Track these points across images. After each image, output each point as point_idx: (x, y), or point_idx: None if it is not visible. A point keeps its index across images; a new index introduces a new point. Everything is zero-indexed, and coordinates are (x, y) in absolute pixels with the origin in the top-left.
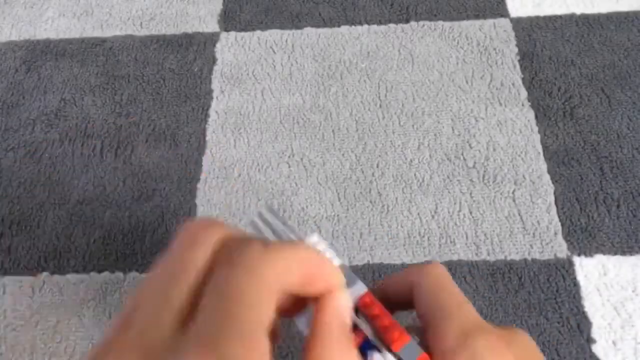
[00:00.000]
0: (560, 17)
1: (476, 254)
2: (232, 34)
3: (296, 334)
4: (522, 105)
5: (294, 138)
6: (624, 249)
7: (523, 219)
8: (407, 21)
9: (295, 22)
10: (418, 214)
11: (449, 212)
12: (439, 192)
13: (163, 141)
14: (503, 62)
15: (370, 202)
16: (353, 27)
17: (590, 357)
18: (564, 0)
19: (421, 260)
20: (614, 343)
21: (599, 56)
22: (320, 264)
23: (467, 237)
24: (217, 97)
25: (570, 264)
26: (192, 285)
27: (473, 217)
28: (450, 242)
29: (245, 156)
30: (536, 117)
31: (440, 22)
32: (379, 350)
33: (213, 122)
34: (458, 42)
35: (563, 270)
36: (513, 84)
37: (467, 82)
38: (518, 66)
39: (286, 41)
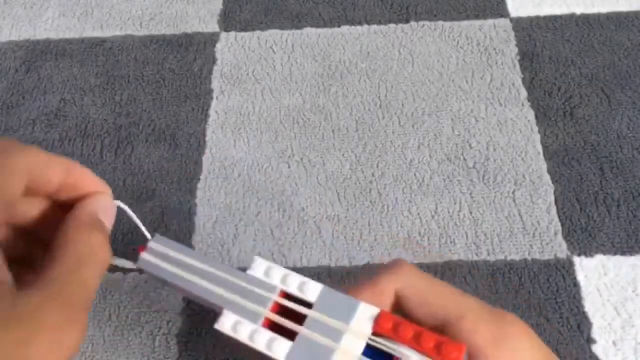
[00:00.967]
0: (560, 17)
1: (476, 254)
2: (232, 34)
3: None
4: (522, 105)
5: (294, 138)
6: (624, 249)
7: (523, 219)
8: (407, 21)
9: (295, 22)
10: (418, 214)
11: (449, 212)
12: (439, 192)
13: (163, 141)
14: (503, 62)
15: (370, 202)
16: (353, 27)
17: (590, 357)
18: (564, 0)
19: (422, 260)
20: (614, 343)
21: (599, 56)
22: (82, 173)
23: (467, 237)
24: (217, 97)
25: (571, 264)
26: None
27: (473, 217)
28: (450, 242)
29: (245, 156)
30: (536, 117)
31: (440, 22)
32: None
33: (213, 122)
34: (458, 42)
35: (563, 270)
36: (513, 84)
37: (467, 82)
38: (518, 66)
39: (286, 41)
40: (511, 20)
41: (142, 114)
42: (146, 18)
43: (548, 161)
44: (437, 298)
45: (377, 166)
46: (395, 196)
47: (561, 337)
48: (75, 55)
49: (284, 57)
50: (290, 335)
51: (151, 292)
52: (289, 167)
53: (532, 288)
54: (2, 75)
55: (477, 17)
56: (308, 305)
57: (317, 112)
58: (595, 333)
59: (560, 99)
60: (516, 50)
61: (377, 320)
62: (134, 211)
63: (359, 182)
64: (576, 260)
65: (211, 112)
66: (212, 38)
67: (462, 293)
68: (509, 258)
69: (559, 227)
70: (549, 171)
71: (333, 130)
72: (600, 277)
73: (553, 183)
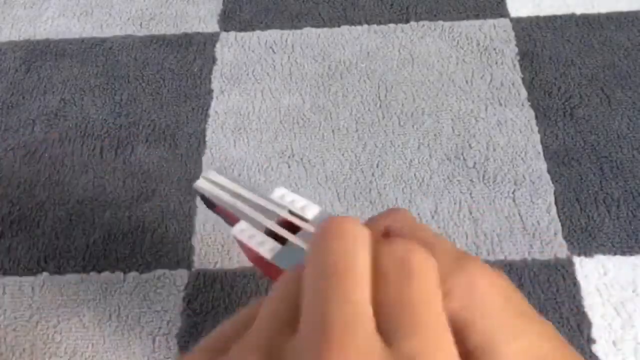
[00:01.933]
0: (560, 17)
1: (476, 254)
2: (232, 34)
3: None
4: (522, 105)
5: (294, 138)
6: (624, 249)
7: (523, 219)
8: (407, 21)
9: (295, 22)
10: (418, 214)
11: (448, 212)
12: (439, 192)
13: (163, 141)
14: (503, 62)
15: (370, 202)
16: (353, 27)
17: (590, 357)
18: (564, 0)
19: None
20: (614, 343)
21: (599, 56)
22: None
23: (467, 237)
24: (217, 97)
25: (570, 264)
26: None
27: (473, 217)
28: (450, 242)
29: (245, 156)
30: (536, 117)
31: (440, 22)
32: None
33: (213, 122)
34: (458, 42)
35: (563, 271)
36: (513, 84)
37: (467, 82)
38: (518, 66)
39: (286, 41)
40: (511, 20)
41: (142, 114)
42: (146, 18)
43: (548, 161)
44: (414, 233)
45: (377, 166)
46: (395, 196)
47: None
48: (75, 55)
49: (284, 57)
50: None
51: (151, 292)
52: (289, 167)
53: (532, 288)
54: (2, 75)
55: (477, 17)
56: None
57: (317, 112)
58: (595, 333)
59: (560, 99)
60: (516, 50)
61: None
62: (134, 211)
63: (359, 182)
64: (576, 260)
65: (211, 112)
66: (212, 38)
67: (439, 236)
68: (508, 258)
69: (559, 227)
70: (549, 171)
71: (333, 130)
72: (600, 277)
73: (553, 183)
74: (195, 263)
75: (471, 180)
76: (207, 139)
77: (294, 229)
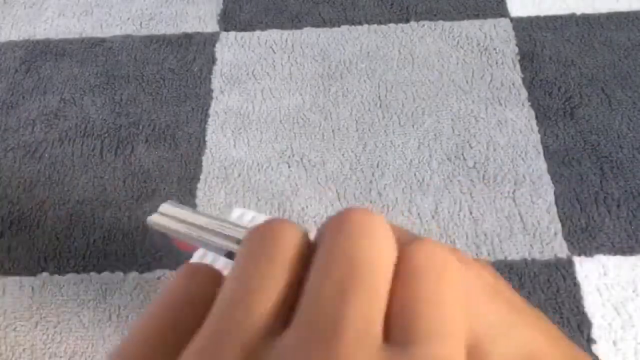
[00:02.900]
0: (560, 17)
1: (476, 254)
2: (232, 33)
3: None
4: (522, 105)
5: (294, 138)
6: (624, 249)
7: (523, 219)
8: (407, 21)
9: (295, 22)
10: (418, 214)
11: (449, 212)
12: (439, 192)
13: (163, 141)
14: (503, 62)
15: (370, 202)
16: (353, 27)
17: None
18: (564, 0)
19: None
20: (614, 343)
21: (599, 56)
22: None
23: (467, 237)
24: (217, 97)
25: (571, 264)
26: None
27: (473, 217)
28: (450, 242)
29: (245, 156)
30: (536, 117)
31: (440, 22)
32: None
33: (213, 122)
34: (458, 42)
35: (563, 271)
36: (513, 84)
37: (467, 82)
38: (518, 66)
39: (286, 41)
40: (511, 20)
41: (142, 114)
42: (146, 18)
43: (548, 161)
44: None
45: (377, 166)
46: (395, 196)
47: None
48: (75, 55)
49: (284, 57)
50: None
51: (151, 292)
52: (289, 167)
53: (532, 288)
54: (2, 75)
55: (477, 17)
56: None
57: (317, 112)
58: (596, 333)
59: (561, 99)
60: (516, 50)
61: None
62: (134, 211)
63: (359, 182)
64: (576, 260)
65: (211, 112)
66: (212, 38)
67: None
68: (509, 258)
69: (559, 227)
70: (549, 171)
71: (333, 130)
72: (601, 277)
73: (553, 183)
74: None
75: (471, 180)
76: (207, 139)
77: None
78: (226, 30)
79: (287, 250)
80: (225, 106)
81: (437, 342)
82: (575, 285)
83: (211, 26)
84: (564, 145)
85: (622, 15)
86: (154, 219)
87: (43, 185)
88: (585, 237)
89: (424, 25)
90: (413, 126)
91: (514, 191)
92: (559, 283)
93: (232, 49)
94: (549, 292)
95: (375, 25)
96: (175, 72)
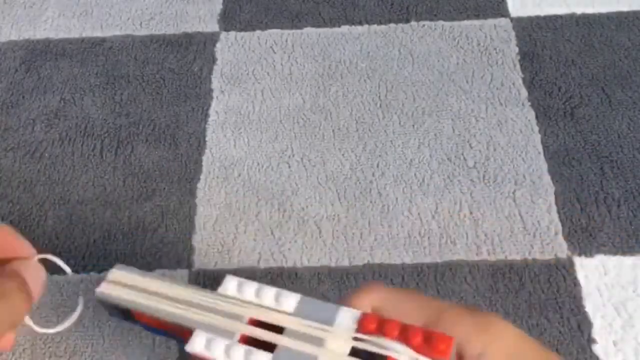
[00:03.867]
0: (560, 17)
1: (476, 254)
2: (232, 33)
3: None
4: (523, 105)
5: (294, 138)
6: (625, 249)
7: (523, 219)
8: (407, 21)
9: (295, 22)
10: (418, 214)
11: (449, 212)
12: (439, 192)
13: (163, 141)
14: (503, 62)
15: (370, 202)
16: (353, 27)
17: (590, 357)
18: (564, 0)
19: (422, 260)
20: (614, 343)
21: (599, 56)
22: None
23: (467, 237)
24: (217, 97)
25: (571, 264)
26: None
27: (473, 217)
28: (451, 242)
29: (245, 156)
30: (536, 117)
31: (440, 22)
32: None
33: (213, 122)
34: (458, 42)
35: (564, 271)
36: (513, 84)
37: (467, 82)
38: (518, 66)
39: (286, 41)
40: (511, 20)
41: (142, 114)
42: (146, 18)
43: (548, 161)
44: (414, 303)
45: (377, 166)
46: (395, 196)
47: (562, 338)
48: (75, 55)
49: (284, 57)
50: (270, 348)
51: None
52: (289, 167)
53: (532, 288)
54: (2, 75)
55: (477, 17)
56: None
57: (317, 112)
58: (596, 333)
59: (561, 99)
60: (516, 50)
61: (361, 322)
62: (134, 211)
63: (359, 182)
64: (577, 260)
65: (211, 112)
66: (212, 38)
67: (437, 298)
68: (509, 258)
69: (560, 227)
70: (549, 171)
71: (333, 130)
72: (601, 277)
73: (553, 183)
74: (195, 263)
75: (471, 180)
76: (207, 139)
77: (269, 327)
78: (226, 30)
79: None
80: (226, 106)
81: None
82: (576, 285)
83: (211, 26)
84: (564, 145)
85: (623, 15)
86: (103, 289)
87: (43, 185)
88: (586, 237)
89: (424, 25)
90: (413, 126)
91: (514, 191)
92: (559, 283)
93: (232, 49)
94: (549, 292)
95: (376, 26)
96: (176, 72)
